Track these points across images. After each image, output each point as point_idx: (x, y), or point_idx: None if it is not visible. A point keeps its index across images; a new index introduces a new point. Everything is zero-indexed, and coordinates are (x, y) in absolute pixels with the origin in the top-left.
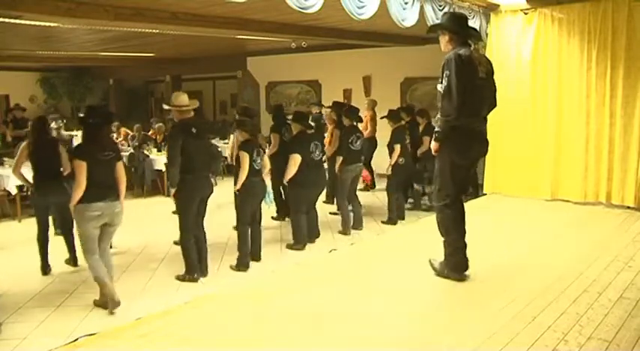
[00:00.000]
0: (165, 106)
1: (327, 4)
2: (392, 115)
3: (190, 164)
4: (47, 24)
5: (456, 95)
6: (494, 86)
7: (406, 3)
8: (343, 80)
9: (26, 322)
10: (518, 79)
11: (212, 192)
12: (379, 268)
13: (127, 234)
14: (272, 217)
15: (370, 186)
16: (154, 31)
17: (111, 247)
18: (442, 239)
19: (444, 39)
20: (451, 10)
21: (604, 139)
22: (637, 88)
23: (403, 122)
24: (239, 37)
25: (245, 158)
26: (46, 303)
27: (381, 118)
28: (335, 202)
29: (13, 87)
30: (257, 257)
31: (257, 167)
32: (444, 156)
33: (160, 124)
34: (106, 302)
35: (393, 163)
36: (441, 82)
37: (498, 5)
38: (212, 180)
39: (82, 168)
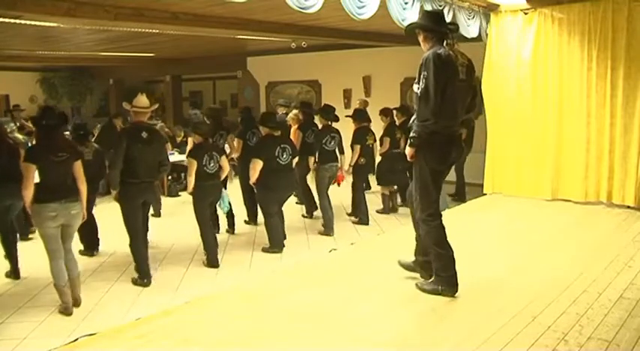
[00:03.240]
0: (125, 105)
1: (327, 4)
2: (356, 115)
3: (133, 169)
4: (47, 24)
5: (434, 98)
6: (475, 87)
7: (406, 3)
8: (343, 80)
9: (26, 322)
10: (519, 79)
11: (155, 198)
12: (379, 268)
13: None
14: (244, 221)
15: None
16: (154, 31)
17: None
18: (431, 254)
19: (419, 38)
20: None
21: (604, 139)
22: (637, 88)
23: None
24: (239, 37)
25: (192, 165)
26: (45, 303)
27: (346, 116)
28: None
29: (13, 87)
30: (215, 264)
31: (209, 171)
32: (421, 163)
33: (161, 124)
34: (66, 308)
35: (352, 163)
36: (418, 84)
37: (498, 5)
38: (156, 187)
39: (30, 170)
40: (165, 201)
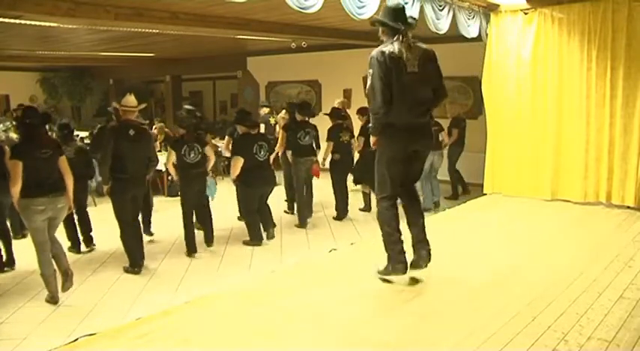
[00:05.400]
0: (115, 105)
1: (327, 5)
2: (333, 113)
3: (122, 165)
4: (47, 24)
5: (380, 94)
6: (434, 75)
7: (406, 3)
8: (343, 80)
9: (26, 322)
10: (518, 79)
11: (144, 192)
12: None
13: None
14: (237, 218)
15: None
16: (154, 31)
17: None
18: (382, 234)
19: (380, 31)
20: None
21: (604, 139)
22: (637, 88)
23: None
24: (239, 37)
25: (170, 155)
26: (46, 302)
27: (324, 114)
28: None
29: (13, 87)
30: (192, 251)
31: (189, 161)
32: (380, 151)
33: (161, 123)
34: (52, 297)
35: (323, 158)
36: (368, 80)
37: (498, 5)
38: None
39: (16, 166)
40: (164, 201)
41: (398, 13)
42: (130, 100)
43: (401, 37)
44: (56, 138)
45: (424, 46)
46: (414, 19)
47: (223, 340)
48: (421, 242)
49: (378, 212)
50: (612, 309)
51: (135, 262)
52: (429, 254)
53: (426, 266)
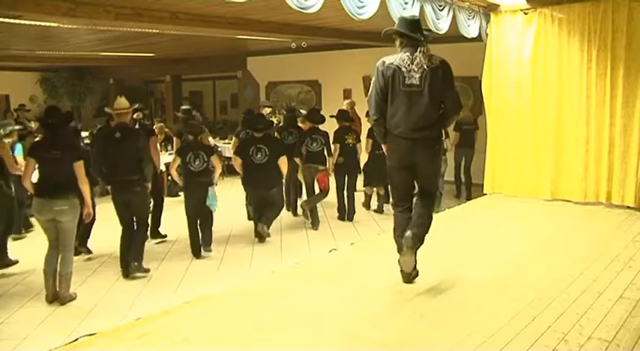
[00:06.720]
0: (107, 110)
1: (327, 5)
2: (340, 116)
3: (111, 168)
4: (47, 24)
5: (373, 102)
6: (441, 89)
7: (406, 3)
8: (343, 80)
9: (26, 322)
10: (518, 79)
11: (140, 197)
12: (379, 268)
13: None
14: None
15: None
16: (154, 31)
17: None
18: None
19: (396, 43)
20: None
21: (604, 139)
22: (637, 88)
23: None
24: (239, 37)
25: (174, 161)
26: (46, 302)
27: (330, 116)
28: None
29: (13, 87)
30: (197, 254)
31: (193, 169)
32: (387, 156)
33: (161, 124)
34: (46, 295)
35: (333, 162)
36: None
37: (498, 5)
38: (142, 185)
39: (29, 163)
40: (166, 200)
41: (415, 24)
42: (122, 102)
43: (420, 48)
44: None
45: (439, 59)
46: (430, 31)
47: (223, 340)
48: (413, 225)
49: (393, 214)
50: (612, 309)
51: (121, 263)
52: (414, 236)
53: (408, 248)
